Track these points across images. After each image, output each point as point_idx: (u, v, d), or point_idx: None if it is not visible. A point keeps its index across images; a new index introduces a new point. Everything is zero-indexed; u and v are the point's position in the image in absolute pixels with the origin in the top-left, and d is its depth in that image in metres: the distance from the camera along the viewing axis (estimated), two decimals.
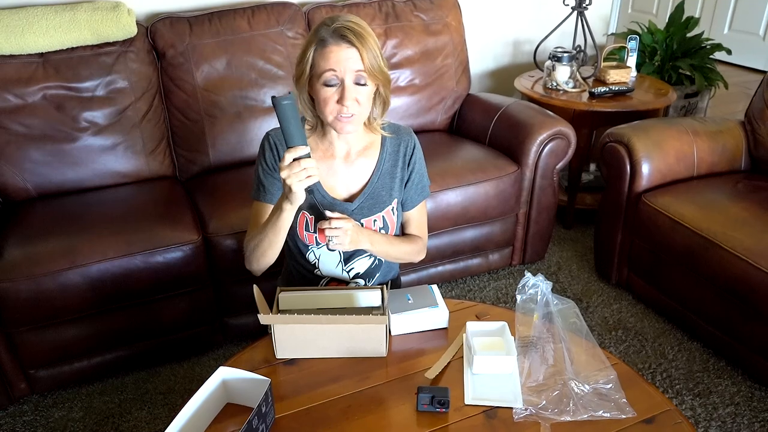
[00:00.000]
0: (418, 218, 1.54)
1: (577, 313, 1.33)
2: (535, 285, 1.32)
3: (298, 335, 1.28)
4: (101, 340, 1.96)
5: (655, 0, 4.55)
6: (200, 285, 2.01)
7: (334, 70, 1.24)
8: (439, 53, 2.64)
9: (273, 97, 1.13)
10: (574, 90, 2.69)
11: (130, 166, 2.25)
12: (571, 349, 1.28)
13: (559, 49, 2.72)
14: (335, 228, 1.28)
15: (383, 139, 1.45)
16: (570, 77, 2.71)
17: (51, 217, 2.01)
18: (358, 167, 1.43)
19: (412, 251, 1.52)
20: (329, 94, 1.26)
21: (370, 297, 1.33)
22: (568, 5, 2.85)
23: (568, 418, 1.15)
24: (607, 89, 2.64)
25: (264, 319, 1.25)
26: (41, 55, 2.12)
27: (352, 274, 1.50)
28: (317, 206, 1.40)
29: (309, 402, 1.20)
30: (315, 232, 1.42)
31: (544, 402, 1.18)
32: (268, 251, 1.36)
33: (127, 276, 1.87)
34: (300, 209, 1.41)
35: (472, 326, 1.32)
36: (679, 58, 2.99)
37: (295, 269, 1.54)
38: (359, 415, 1.17)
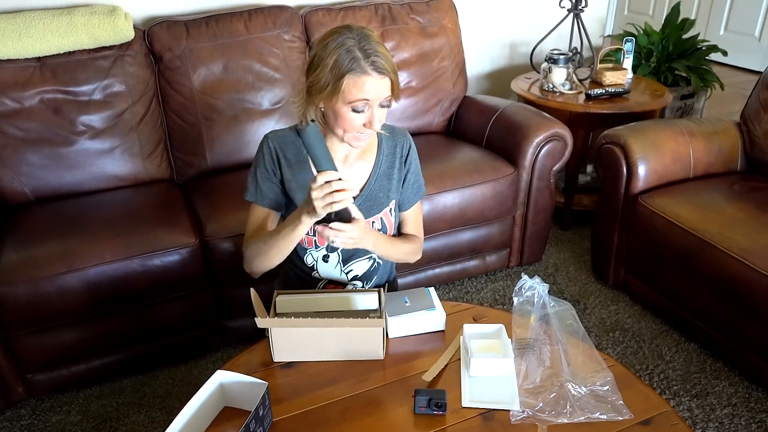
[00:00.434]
0: (414, 218, 1.55)
1: (574, 315, 1.34)
2: (532, 287, 1.33)
3: (296, 338, 1.28)
4: (99, 343, 1.96)
5: (651, 2, 4.57)
6: (198, 288, 2.01)
7: (367, 100, 1.26)
8: (435, 55, 2.64)
9: (299, 130, 1.17)
10: (570, 92, 2.70)
11: (128, 170, 2.25)
12: (568, 351, 1.28)
13: (556, 51, 2.73)
14: (335, 230, 1.27)
15: (380, 140, 1.46)
16: (566, 79, 2.72)
17: (48, 220, 2.01)
18: (356, 170, 1.44)
19: (411, 251, 1.53)
20: (355, 117, 1.27)
21: (367, 300, 1.33)
22: (564, 7, 2.86)
23: (565, 420, 1.15)
24: (604, 91, 2.65)
25: (261, 322, 1.25)
26: (38, 59, 2.12)
27: (350, 275, 1.51)
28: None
29: (307, 405, 1.20)
30: (314, 234, 1.43)
31: (541, 404, 1.18)
32: (274, 258, 1.37)
33: (124, 279, 1.87)
34: None
35: (469, 329, 1.32)
36: (675, 59, 3.00)
37: (293, 271, 1.54)
38: (356, 417, 1.18)
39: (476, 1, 3.01)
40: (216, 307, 2.09)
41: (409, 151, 1.49)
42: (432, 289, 1.46)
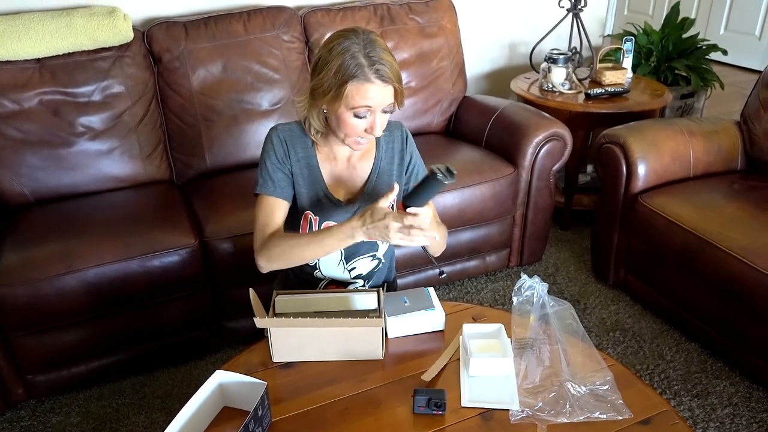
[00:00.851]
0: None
1: (574, 315, 1.33)
2: (532, 287, 1.32)
3: (295, 338, 1.28)
4: (99, 344, 1.96)
5: (651, 1, 4.56)
6: (197, 289, 2.01)
7: (370, 107, 1.25)
8: (434, 56, 2.64)
9: (435, 173, 1.15)
10: (570, 91, 2.69)
11: (127, 171, 2.25)
12: (568, 351, 1.28)
13: (555, 51, 2.73)
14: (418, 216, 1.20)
15: (377, 138, 1.45)
16: (566, 79, 2.72)
17: (48, 222, 2.01)
18: (357, 169, 1.44)
19: (445, 236, 1.50)
20: (357, 123, 1.27)
21: (367, 300, 1.33)
22: (563, 7, 2.86)
23: (565, 420, 1.15)
24: (603, 90, 2.65)
25: (260, 322, 1.25)
26: (38, 60, 2.12)
27: (353, 274, 1.50)
28: (323, 207, 1.41)
29: (306, 405, 1.20)
30: None
31: (541, 404, 1.18)
32: (300, 260, 1.35)
33: (124, 280, 1.87)
34: (303, 209, 1.42)
35: (468, 328, 1.32)
36: (674, 58, 3.00)
37: (293, 271, 1.54)
38: (356, 417, 1.17)
39: (475, 1, 3.01)
40: (216, 308, 2.09)
41: (406, 141, 1.48)
42: (431, 289, 1.46)
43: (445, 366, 1.29)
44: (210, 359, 2.16)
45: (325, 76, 1.24)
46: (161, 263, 1.90)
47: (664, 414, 1.18)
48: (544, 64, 2.75)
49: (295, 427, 1.16)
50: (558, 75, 2.71)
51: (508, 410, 1.17)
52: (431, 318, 1.38)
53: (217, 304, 2.09)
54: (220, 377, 1.17)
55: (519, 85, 2.85)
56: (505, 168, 2.33)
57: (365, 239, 1.23)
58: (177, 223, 2.00)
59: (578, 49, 2.93)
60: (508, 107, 2.53)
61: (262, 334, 1.36)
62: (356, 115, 1.26)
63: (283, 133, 1.39)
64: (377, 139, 1.46)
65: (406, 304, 1.40)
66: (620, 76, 2.78)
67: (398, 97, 1.28)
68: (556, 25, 2.88)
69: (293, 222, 1.44)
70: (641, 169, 2.21)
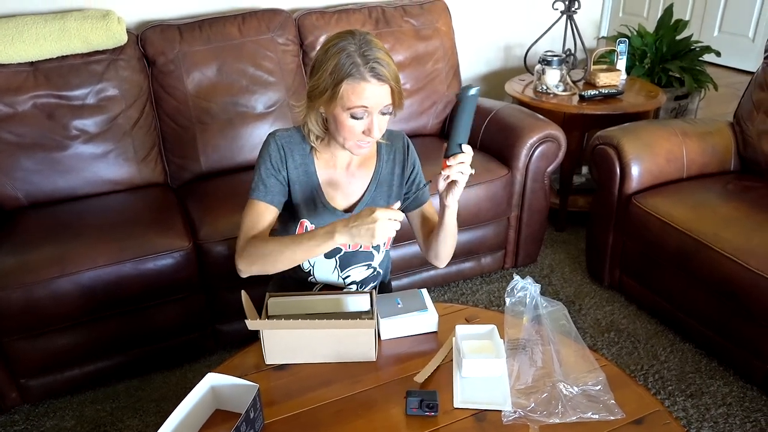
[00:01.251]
0: (434, 217, 1.49)
1: (566, 315, 1.33)
2: (524, 288, 1.32)
3: (287, 341, 1.28)
4: (93, 348, 1.96)
5: (645, 3, 4.57)
6: (192, 291, 2.01)
7: (366, 107, 1.23)
8: (429, 58, 2.65)
9: (465, 90, 1.19)
10: (564, 93, 2.70)
11: (122, 174, 2.25)
12: (560, 351, 1.28)
13: (549, 53, 2.74)
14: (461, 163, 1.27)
15: (379, 147, 1.45)
16: (560, 81, 2.72)
17: (42, 225, 2.00)
18: (357, 178, 1.43)
19: (454, 245, 1.48)
20: (355, 124, 1.25)
21: (359, 302, 1.33)
22: (557, 9, 2.87)
23: (557, 420, 1.15)
24: (597, 92, 2.66)
25: (252, 324, 1.24)
26: (31, 63, 2.12)
27: (348, 281, 1.50)
28: (319, 215, 1.39)
29: (299, 407, 1.20)
30: None
31: (533, 404, 1.18)
32: (280, 266, 1.29)
33: (118, 283, 1.87)
34: (300, 217, 1.40)
35: (461, 330, 1.32)
36: (668, 60, 3.00)
37: (288, 275, 1.54)
38: (349, 419, 1.17)
39: (470, 3, 3.02)
40: (210, 311, 2.09)
41: (408, 151, 1.46)
42: (424, 291, 1.45)
43: (438, 367, 1.28)
44: (205, 362, 2.16)
45: (321, 77, 1.23)
46: (155, 266, 1.90)
47: (657, 414, 1.18)
48: (539, 66, 2.75)
49: (287, 429, 1.15)
50: (552, 77, 2.72)
51: (500, 411, 1.17)
52: (424, 319, 1.38)
53: (212, 307, 2.09)
54: (212, 380, 1.17)
55: (513, 87, 2.85)
56: (500, 169, 2.34)
57: (348, 241, 1.20)
58: (171, 225, 2.00)
59: (572, 51, 2.93)
60: (503, 109, 2.54)
61: (256, 337, 1.36)
62: (353, 116, 1.24)
63: (281, 139, 1.36)
64: (378, 148, 1.44)
65: (399, 306, 1.39)
66: (614, 78, 2.79)
67: (396, 97, 1.25)
68: (550, 27, 2.89)
69: (290, 231, 1.43)
70: (635, 171, 2.22)
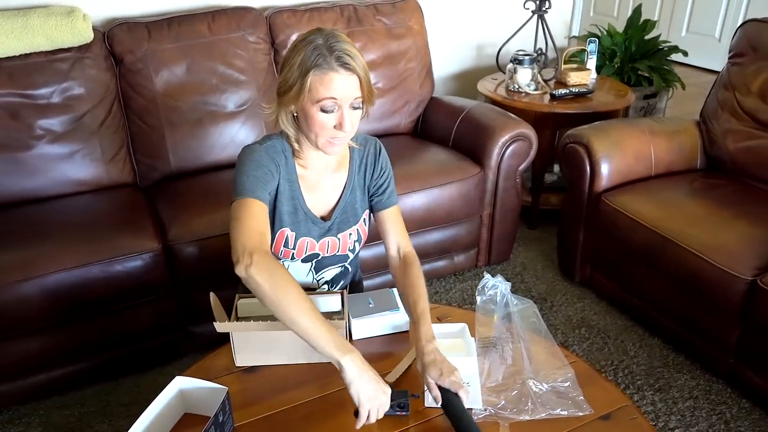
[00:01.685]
0: (397, 220, 1.46)
1: (536, 313, 1.35)
2: (495, 286, 1.34)
3: (257, 342, 1.27)
4: (60, 352, 1.91)
5: (615, 3, 4.64)
6: (162, 294, 1.98)
7: (334, 99, 1.20)
8: (402, 57, 2.65)
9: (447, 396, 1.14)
10: (535, 92, 2.73)
11: (89, 174, 2.20)
12: (530, 349, 1.30)
13: (521, 52, 2.76)
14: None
15: (352, 152, 1.43)
16: (531, 80, 2.75)
17: (7, 227, 1.95)
18: (332, 182, 1.40)
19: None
20: (325, 119, 1.22)
21: (330, 302, 1.33)
22: (528, 9, 2.89)
23: (527, 417, 1.16)
24: (568, 91, 2.69)
25: (220, 326, 1.23)
26: None
27: (321, 282, 1.49)
28: (299, 223, 1.36)
29: (269, 409, 1.19)
30: (294, 248, 1.38)
31: (503, 402, 1.19)
32: (277, 315, 1.13)
33: (86, 286, 1.83)
34: (281, 226, 1.35)
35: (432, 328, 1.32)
36: (637, 59, 3.05)
37: None
38: (320, 420, 1.17)
39: (442, 2, 3.03)
40: (181, 313, 2.06)
41: (379, 155, 1.43)
42: (396, 290, 1.45)
43: (410, 367, 1.29)
44: (177, 365, 2.12)
45: (289, 72, 1.22)
46: (124, 268, 1.87)
47: (624, 409, 1.20)
48: (510, 65, 2.77)
49: None
50: (524, 76, 2.74)
51: (471, 409, 1.17)
52: (396, 319, 1.38)
53: (183, 308, 2.06)
54: (180, 383, 1.16)
55: (486, 85, 2.87)
56: (472, 168, 2.35)
57: (351, 377, 1.10)
58: (140, 226, 1.96)
59: (544, 51, 2.96)
60: (475, 108, 2.55)
61: (228, 339, 1.35)
62: (323, 110, 1.21)
63: (266, 150, 1.30)
64: (351, 153, 1.42)
65: (370, 306, 1.39)
66: (585, 77, 2.83)
67: (365, 90, 1.23)
68: (522, 27, 2.91)
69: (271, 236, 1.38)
70: (605, 169, 2.25)
